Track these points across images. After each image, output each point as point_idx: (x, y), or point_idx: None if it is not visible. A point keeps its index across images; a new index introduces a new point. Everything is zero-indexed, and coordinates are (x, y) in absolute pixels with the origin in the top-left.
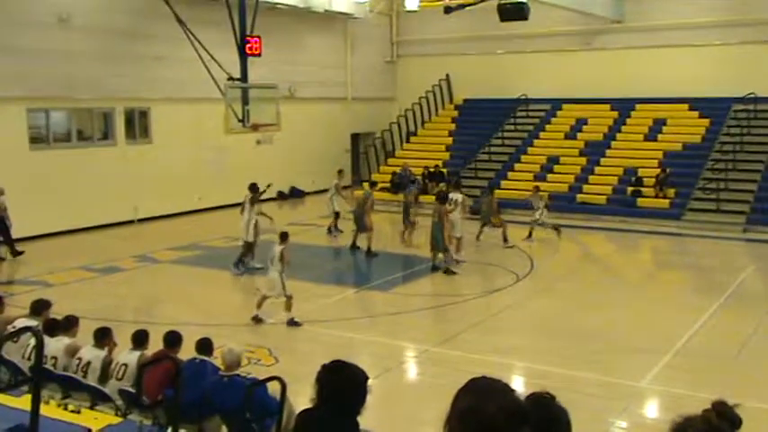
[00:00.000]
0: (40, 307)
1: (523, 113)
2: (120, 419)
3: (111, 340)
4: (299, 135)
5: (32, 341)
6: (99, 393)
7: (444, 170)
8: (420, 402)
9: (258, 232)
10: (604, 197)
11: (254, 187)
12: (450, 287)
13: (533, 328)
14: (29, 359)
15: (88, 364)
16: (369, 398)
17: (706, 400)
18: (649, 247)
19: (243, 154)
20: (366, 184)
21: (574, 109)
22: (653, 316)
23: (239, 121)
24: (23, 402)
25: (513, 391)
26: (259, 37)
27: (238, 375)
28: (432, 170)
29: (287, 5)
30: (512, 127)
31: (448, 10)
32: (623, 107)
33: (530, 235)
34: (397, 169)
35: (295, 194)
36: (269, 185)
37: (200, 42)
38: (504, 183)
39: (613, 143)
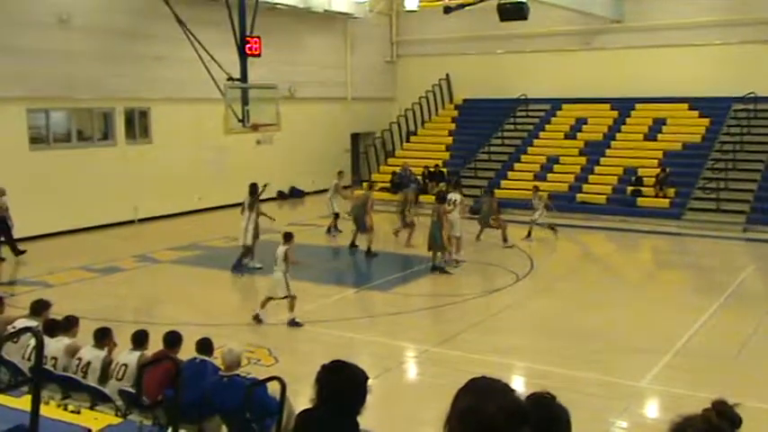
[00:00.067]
0: (39, 307)
1: (523, 113)
2: (120, 420)
3: (111, 340)
4: (298, 135)
5: (32, 341)
6: (99, 394)
7: (444, 170)
8: (420, 402)
9: (258, 234)
10: (604, 197)
11: (253, 188)
12: (449, 287)
13: (533, 328)
14: (29, 359)
15: (88, 364)
16: (369, 398)
17: (706, 399)
18: (649, 247)
19: (243, 154)
20: (365, 185)
21: (574, 109)
22: (653, 316)
23: (239, 121)
24: (23, 403)
25: (512, 391)
26: (259, 37)
27: (238, 375)
28: (432, 170)
29: (287, 6)
30: (511, 127)
31: (447, 10)
32: (623, 107)
33: (529, 235)
34: (397, 169)
35: (295, 194)
36: (266, 185)
37: (199, 42)
38: (503, 182)
39: (613, 143)
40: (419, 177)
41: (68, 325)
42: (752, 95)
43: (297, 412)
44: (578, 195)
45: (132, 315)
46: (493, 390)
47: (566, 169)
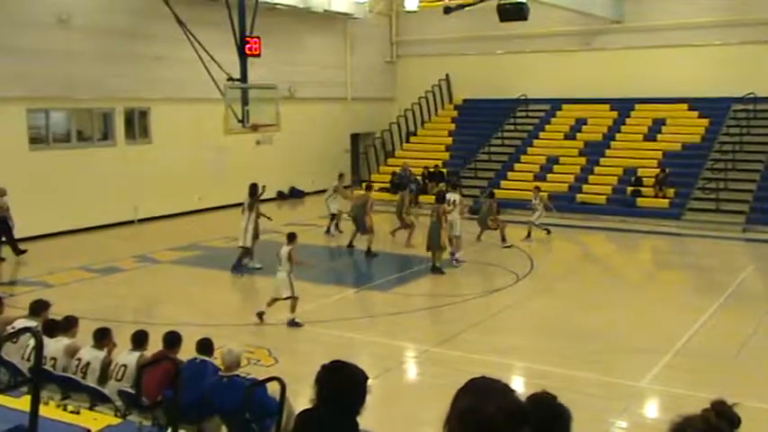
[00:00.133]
0: (39, 307)
1: (523, 113)
2: (119, 420)
3: (111, 341)
4: (298, 135)
5: (32, 342)
6: (98, 394)
7: (444, 170)
8: (420, 402)
9: (258, 234)
10: (604, 197)
11: (253, 188)
12: (449, 287)
13: (533, 328)
14: (28, 360)
15: (87, 364)
16: (368, 398)
17: (706, 399)
18: (649, 247)
19: (243, 154)
20: (363, 186)
21: (573, 109)
22: (653, 316)
23: (239, 121)
24: (23, 403)
25: (512, 391)
26: (259, 37)
27: (238, 376)
28: (431, 170)
29: (286, 6)
30: (511, 127)
31: (447, 10)
32: (623, 107)
33: (528, 235)
34: (397, 169)
35: (295, 195)
36: (263, 188)
37: (199, 43)
38: (503, 183)
39: (613, 143)
40: (419, 178)
41: (68, 325)
42: (751, 96)
43: (297, 412)
44: (578, 196)
45: (132, 315)
46: (492, 390)
47: (565, 169)
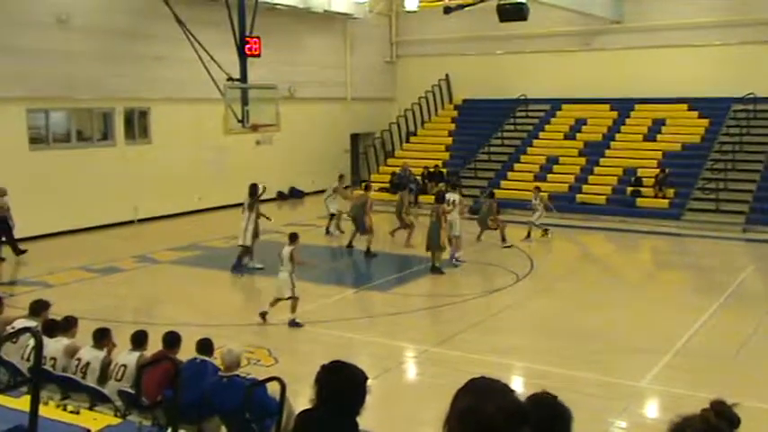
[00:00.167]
0: (39, 307)
1: (523, 114)
2: (119, 420)
3: (111, 341)
4: (298, 135)
5: (31, 342)
6: (98, 394)
7: (444, 170)
8: (419, 403)
9: (258, 234)
10: (604, 197)
11: (253, 188)
12: (449, 287)
13: (533, 328)
14: (28, 360)
15: (87, 364)
16: (368, 398)
17: (706, 399)
18: (649, 247)
19: (242, 154)
20: (363, 185)
21: (573, 109)
22: (653, 316)
23: (239, 121)
24: (22, 403)
25: (512, 391)
26: (258, 37)
27: (238, 376)
28: (431, 170)
29: (286, 6)
30: (511, 127)
31: (447, 10)
32: (622, 107)
33: (528, 235)
34: (397, 169)
35: (294, 195)
36: (264, 188)
37: (199, 43)
38: (503, 183)
39: (613, 143)
40: (418, 178)
41: (68, 325)
42: (751, 96)
43: (296, 412)
44: (578, 196)
45: (132, 315)
46: (492, 390)
47: (565, 170)
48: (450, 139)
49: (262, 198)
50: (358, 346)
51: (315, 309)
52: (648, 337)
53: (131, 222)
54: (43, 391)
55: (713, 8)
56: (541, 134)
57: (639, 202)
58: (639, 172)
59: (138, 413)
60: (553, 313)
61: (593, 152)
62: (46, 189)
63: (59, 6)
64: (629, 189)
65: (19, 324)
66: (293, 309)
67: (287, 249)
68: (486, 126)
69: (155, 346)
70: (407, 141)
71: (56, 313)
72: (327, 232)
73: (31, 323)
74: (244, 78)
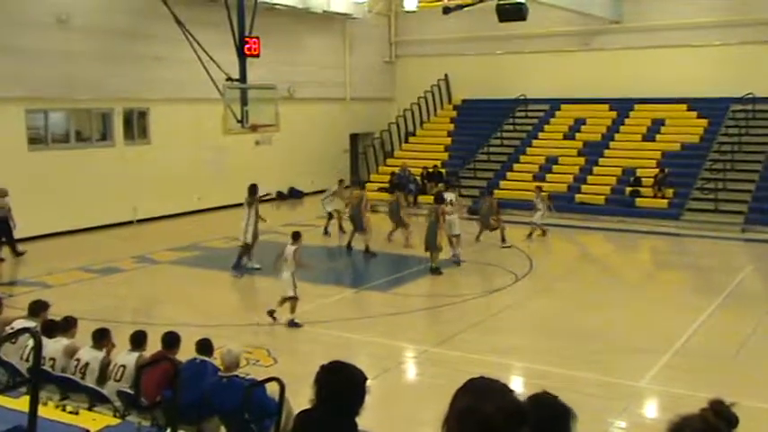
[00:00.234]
0: (38, 308)
1: (522, 114)
2: (118, 421)
3: (110, 341)
4: (297, 135)
5: (30, 342)
6: (97, 394)
7: (443, 170)
8: (419, 403)
9: (257, 234)
10: (603, 197)
11: (253, 189)
12: (448, 287)
13: (533, 329)
14: (27, 360)
15: (86, 365)
16: (367, 398)
17: (705, 399)
18: (648, 248)
19: (242, 154)
20: (358, 185)
21: (572, 109)
22: (652, 316)
23: (238, 121)
24: (22, 404)
25: (511, 391)
26: (258, 37)
27: (237, 376)
28: (430, 170)
29: (285, 6)
30: (510, 127)
31: (446, 10)
32: (622, 107)
33: (530, 235)
34: (396, 170)
35: (294, 195)
36: (267, 194)
37: (198, 43)
38: (502, 183)
39: (612, 143)
40: (418, 178)
41: (67, 326)
42: (750, 96)
43: (296, 413)
44: (577, 196)
45: (131, 316)
46: (491, 390)
47: (564, 170)
48: (450, 139)
49: (262, 199)
50: (357, 346)
51: (314, 309)
52: (648, 337)
53: (130, 223)
54: (42, 391)
55: (712, 8)
56: (541, 134)
57: (638, 202)
58: (638, 172)
59: (138, 413)
60: (552, 313)
61: (593, 152)
62: (45, 189)
63: (59, 6)
64: (629, 189)
65: (18, 324)
66: (292, 309)
67: (290, 248)
68: (486, 126)
69: (154, 346)
70: (407, 141)
71: (55, 314)
72: (325, 232)
73: (31, 323)
74: (243, 78)
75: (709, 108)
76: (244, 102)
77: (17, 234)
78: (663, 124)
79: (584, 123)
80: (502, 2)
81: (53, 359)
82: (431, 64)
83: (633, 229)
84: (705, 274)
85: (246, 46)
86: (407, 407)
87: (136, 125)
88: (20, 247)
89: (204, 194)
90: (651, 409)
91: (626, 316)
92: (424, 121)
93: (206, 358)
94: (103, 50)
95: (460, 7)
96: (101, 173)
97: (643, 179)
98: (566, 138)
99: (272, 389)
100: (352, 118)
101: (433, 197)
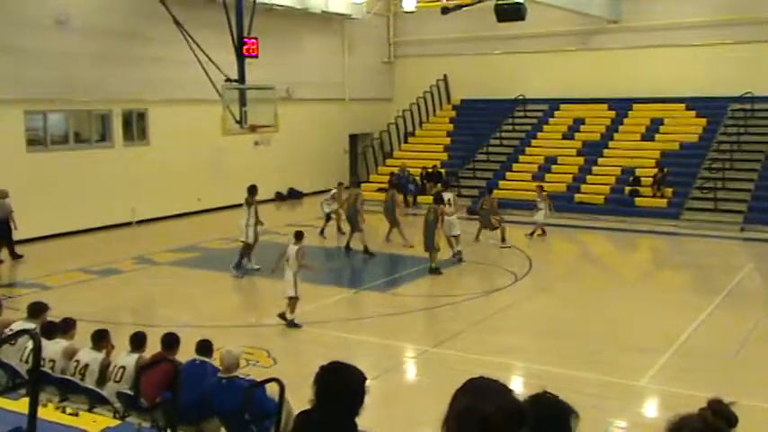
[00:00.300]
0: (37, 309)
1: (521, 114)
2: (118, 422)
3: (109, 342)
4: (296, 136)
5: (30, 344)
6: (97, 396)
7: (442, 171)
8: (418, 403)
9: (257, 234)
10: (602, 197)
11: (252, 189)
12: (448, 287)
13: (532, 329)
14: (26, 362)
15: (86, 366)
16: (367, 399)
17: (705, 399)
18: (647, 247)
19: (241, 155)
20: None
21: (571, 109)
22: (651, 315)
23: (237, 122)
24: (21, 405)
25: (510, 391)
26: (256, 38)
27: (237, 377)
28: (430, 171)
29: (284, 7)
30: (510, 127)
31: (445, 11)
32: (621, 107)
33: (532, 234)
34: (395, 170)
35: (293, 195)
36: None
37: (197, 44)
38: (502, 183)
39: (611, 143)
40: (417, 178)
41: (66, 327)
42: (749, 95)
43: (295, 413)
44: (576, 196)
45: (130, 317)
46: (490, 390)
47: (564, 169)
48: (449, 139)
49: (260, 200)
50: (357, 346)
51: (314, 309)
52: (647, 336)
53: (130, 224)
54: (42, 393)
55: (710, 7)
56: (540, 134)
57: (638, 201)
58: (638, 171)
59: (137, 415)
60: (552, 313)
61: (592, 152)
62: (44, 191)
63: (58, 8)
64: (628, 189)
65: (17, 326)
66: (292, 309)
67: (293, 248)
68: (485, 126)
69: (154, 347)
70: (406, 142)
71: (55, 315)
72: (321, 233)
73: (30, 325)
74: (242, 79)
75: (707, 107)
76: (242, 102)
77: (17, 235)
78: (662, 124)
79: (583, 123)
80: (500, 2)
81: (53, 361)
82: (430, 64)
83: (632, 229)
84: (705, 273)
85: (245, 46)
86: (407, 407)
87: (135, 126)
88: (18, 251)
89: (203, 195)
90: (651, 409)
91: (625, 315)
92: (423, 122)
93: (206, 359)
94: (102, 52)
95: (459, 7)
96: (100, 174)
97: (642, 179)
98: (565, 138)
99: (271, 389)
100: (352, 118)
101: (432, 197)
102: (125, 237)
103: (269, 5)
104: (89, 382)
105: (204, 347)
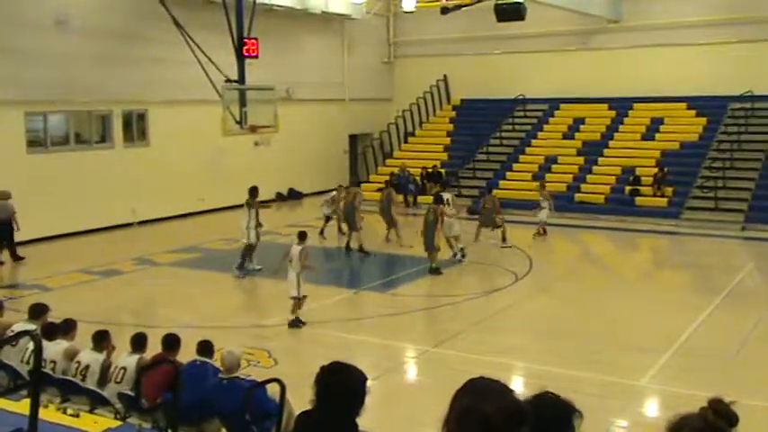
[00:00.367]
0: (38, 311)
1: (521, 113)
2: (119, 423)
3: (110, 343)
4: (296, 136)
5: (31, 345)
6: (98, 397)
7: (442, 171)
8: (419, 403)
9: (259, 234)
10: (602, 196)
11: (253, 191)
12: (448, 287)
13: (533, 328)
14: (27, 363)
15: (87, 367)
16: (368, 399)
17: (705, 398)
18: (648, 246)
19: (241, 156)
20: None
21: (571, 108)
22: (652, 315)
23: (237, 122)
24: (22, 407)
25: (511, 391)
26: (256, 39)
27: (238, 377)
28: (430, 171)
29: (284, 7)
30: (510, 127)
31: (445, 11)
32: (621, 106)
33: (537, 233)
34: (395, 170)
35: (293, 196)
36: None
37: (197, 45)
38: (502, 183)
39: (611, 142)
40: (417, 178)
41: (67, 328)
42: (749, 94)
43: (296, 414)
44: (576, 195)
45: (131, 318)
46: (491, 390)
47: (564, 169)
48: (449, 139)
49: (261, 201)
50: (357, 346)
51: (314, 310)
52: (648, 336)
53: (130, 225)
54: (43, 394)
55: (710, 6)
56: (540, 134)
57: (638, 201)
58: (638, 171)
59: (138, 415)
60: (553, 313)
61: (592, 151)
62: (44, 192)
63: (58, 8)
64: (628, 188)
65: (18, 327)
66: (293, 310)
67: (295, 248)
68: (485, 126)
69: (154, 348)
70: (406, 142)
71: (56, 316)
72: (321, 234)
73: (31, 326)
74: (242, 80)
75: (708, 106)
76: (242, 103)
77: (17, 236)
78: (662, 123)
79: (584, 123)
80: (500, 2)
81: (53, 362)
82: (429, 64)
83: (633, 229)
84: (705, 272)
85: (245, 47)
86: (407, 407)
87: (135, 127)
88: (20, 253)
89: (203, 196)
90: (651, 408)
91: (626, 315)
92: (423, 122)
93: (207, 360)
94: (102, 52)
95: (459, 7)
96: (100, 175)
97: (642, 178)
98: (565, 137)
99: (272, 390)
100: (351, 119)
101: (432, 197)
102: (126, 238)
103: (269, 6)
104: (90, 383)
105: (205, 348)
